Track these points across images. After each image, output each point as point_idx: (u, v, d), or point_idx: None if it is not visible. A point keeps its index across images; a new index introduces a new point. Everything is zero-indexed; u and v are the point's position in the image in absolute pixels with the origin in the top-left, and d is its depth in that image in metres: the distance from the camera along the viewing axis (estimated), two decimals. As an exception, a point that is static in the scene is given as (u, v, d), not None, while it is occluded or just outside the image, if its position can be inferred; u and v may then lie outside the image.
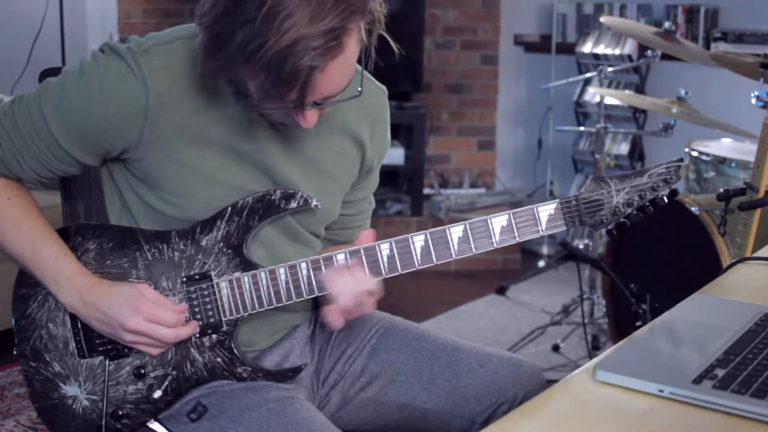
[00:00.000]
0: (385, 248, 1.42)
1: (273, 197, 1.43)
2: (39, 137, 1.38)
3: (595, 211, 1.42)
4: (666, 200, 1.44)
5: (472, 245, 1.41)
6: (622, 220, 1.44)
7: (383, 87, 1.57)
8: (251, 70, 1.25)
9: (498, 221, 1.42)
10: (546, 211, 1.42)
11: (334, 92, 1.30)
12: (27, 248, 1.41)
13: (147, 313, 1.37)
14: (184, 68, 1.37)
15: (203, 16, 1.28)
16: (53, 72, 1.47)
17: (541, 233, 1.42)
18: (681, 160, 1.44)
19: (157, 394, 1.43)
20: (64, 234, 1.44)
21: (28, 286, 1.46)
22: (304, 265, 1.42)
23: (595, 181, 1.43)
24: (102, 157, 1.42)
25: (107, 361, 1.44)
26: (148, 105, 1.35)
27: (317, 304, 1.64)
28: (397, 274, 1.42)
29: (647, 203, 1.43)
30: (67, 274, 1.40)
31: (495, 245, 1.42)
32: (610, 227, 1.44)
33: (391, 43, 1.34)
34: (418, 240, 1.41)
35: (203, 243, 1.43)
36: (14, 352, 1.46)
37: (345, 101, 1.34)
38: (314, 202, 1.44)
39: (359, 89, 1.35)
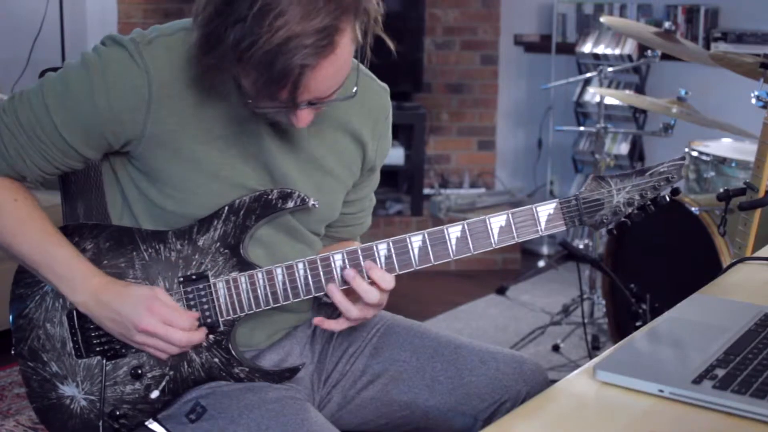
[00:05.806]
0: (382, 248, 1.41)
1: (270, 196, 1.42)
2: (43, 131, 1.37)
3: (595, 210, 1.40)
4: (668, 199, 1.41)
5: (471, 245, 1.40)
6: (622, 219, 1.41)
7: (385, 86, 1.56)
8: (243, 68, 1.24)
9: (497, 221, 1.40)
10: (545, 211, 1.40)
11: (327, 92, 1.28)
12: (37, 249, 1.40)
13: (161, 315, 1.36)
14: (187, 60, 1.36)
15: (198, 16, 1.27)
16: (53, 72, 1.46)
17: (540, 233, 1.40)
18: (683, 158, 1.42)
19: (155, 394, 1.43)
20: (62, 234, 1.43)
21: (25, 285, 1.46)
22: (301, 266, 1.41)
23: (596, 180, 1.40)
24: (104, 150, 1.41)
25: (104, 361, 1.43)
26: (151, 96, 1.34)
27: (318, 303, 1.64)
28: (395, 274, 1.42)
29: (648, 202, 1.41)
30: (82, 274, 1.39)
31: (493, 245, 1.40)
32: (610, 227, 1.42)
33: (387, 41, 1.32)
34: (416, 240, 1.40)
35: (200, 243, 1.42)
36: (12, 352, 1.46)
37: (340, 101, 1.32)
38: (311, 202, 1.43)
39: (354, 89, 1.33)
